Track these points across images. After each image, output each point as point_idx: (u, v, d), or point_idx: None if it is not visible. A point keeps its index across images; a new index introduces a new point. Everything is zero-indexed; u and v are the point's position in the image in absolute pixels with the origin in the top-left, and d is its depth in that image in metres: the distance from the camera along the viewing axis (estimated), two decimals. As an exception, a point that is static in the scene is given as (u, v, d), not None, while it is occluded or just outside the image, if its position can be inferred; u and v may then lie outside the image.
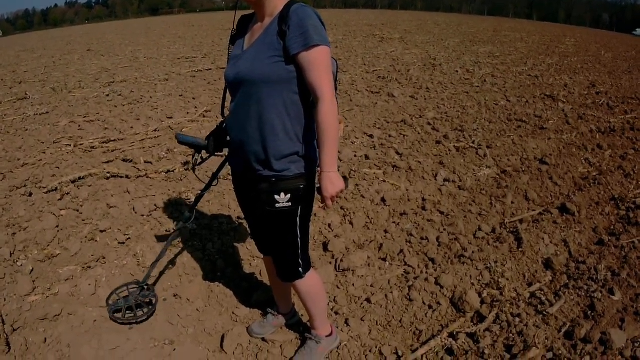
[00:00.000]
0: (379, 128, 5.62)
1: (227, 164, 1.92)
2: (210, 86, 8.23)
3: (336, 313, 2.42)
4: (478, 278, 2.61)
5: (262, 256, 2.49)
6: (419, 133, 5.42)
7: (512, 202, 3.66)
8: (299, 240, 1.74)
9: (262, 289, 2.56)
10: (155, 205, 3.39)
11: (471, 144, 4.99)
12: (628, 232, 3.12)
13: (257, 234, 2.01)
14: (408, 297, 2.49)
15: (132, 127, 5.61)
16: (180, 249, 2.85)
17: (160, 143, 4.98)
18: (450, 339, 2.15)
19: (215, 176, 2.10)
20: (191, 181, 3.90)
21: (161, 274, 2.58)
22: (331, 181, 1.53)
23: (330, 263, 2.86)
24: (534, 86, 8.35)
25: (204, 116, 6.17)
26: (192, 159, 1.96)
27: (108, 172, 3.99)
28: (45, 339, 2.07)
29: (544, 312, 2.25)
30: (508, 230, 3.21)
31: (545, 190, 3.93)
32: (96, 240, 2.91)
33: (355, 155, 4.60)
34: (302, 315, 2.33)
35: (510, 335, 2.12)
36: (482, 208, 3.59)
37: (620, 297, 2.34)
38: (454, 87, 8.14)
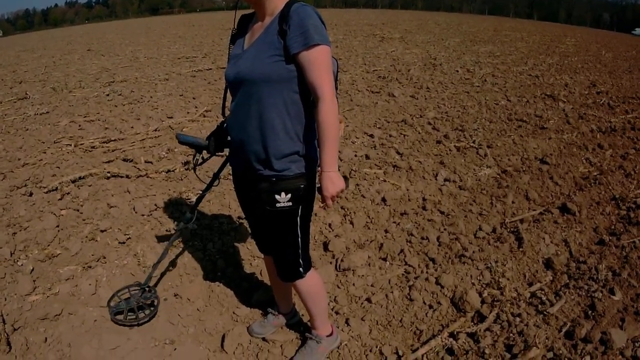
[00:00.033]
0: (379, 128, 5.62)
1: (228, 163, 1.92)
2: (210, 86, 8.23)
3: (337, 313, 2.42)
4: (478, 278, 2.61)
5: (262, 256, 2.48)
6: (419, 133, 5.42)
7: (513, 202, 3.66)
8: (299, 240, 1.74)
9: (263, 289, 2.56)
10: (155, 205, 3.39)
11: (472, 144, 4.98)
12: (629, 232, 3.12)
13: (257, 233, 2.01)
14: (408, 297, 2.48)
15: (132, 127, 5.61)
16: (180, 248, 2.85)
17: (160, 143, 4.98)
18: (451, 339, 2.14)
19: (216, 176, 2.10)
20: (191, 181, 3.90)
21: (162, 274, 2.58)
22: (331, 181, 1.53)
23: (331, 263, 2.85)
24: (535, 86, 8.35)
25: (204, 116, 6.18)
26: (193, 159, 1.96)
27: (108, 172, 3.99)
28: (46, 338, 2.07)
29: (545, 312, 2.25)
30: (508, 230, 3.21)
31: (546, 190, 3.93)
32: (96, 240, 2.91)
33: (355, 155, 4.60)
34: (302, 315, 2.33)
35: (511, 335, 2.12)
36: (482, 208, 3.58)
37: (620, 297, 2.34)
38: (455, 86, 8.13)
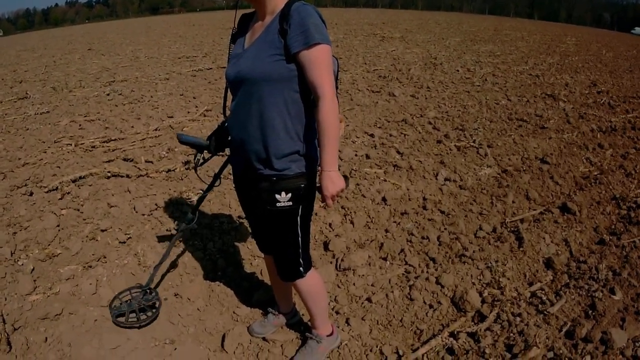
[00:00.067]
0: (379, 127, 5.62)
1: (228, 163, 1.92)
2: (210, 85, 8.23)
3: (337, 312, 2.42)
4: (479, 277, 2.61)
5: (262, 255, 2.48)
6: (419, 132, 5.41)
7: (513, 202, 3.66)
8: (299, 239, 1.74)
9: (263, 289, 2.56)
10: (156, 204, 3.39)
11: (472, 143, 4.98)
12: (629, 232, 3.11)
13: (257, 233, 2.01)
14: (409, 297, 2.48)
15: (132, 127, 5.61)
16: (181, 248, 2.85)
17: (160, 142, 4.98)
18: (451, 339, 2.14)
19: (217, 177, 2.09)
20: (192, 180, 3.90)
21: (162, 274, 2.58)
22: (332, 180, 1.53)
23: (331, 262, 2.85)
24: (535, 85, 8.34)
25: (205, 115, 6.17)
26: (194, 159, 1.95)
27: (109, 172, 3.99)
28: (46, 338, 2.07)
29: (545, 312, 2.25)
30: (509, 229, 3.21)
31: (546, 189, 3.93)
32: (97, 240, 2.92)
33: (356, 155, 4.60)
34: (302, 314, 2.33)
35: (511, 334, 2.12)
36: (482, 207, 3.58)
37: (621, 296, 2.34)
38: (455, 86, 8.13)
